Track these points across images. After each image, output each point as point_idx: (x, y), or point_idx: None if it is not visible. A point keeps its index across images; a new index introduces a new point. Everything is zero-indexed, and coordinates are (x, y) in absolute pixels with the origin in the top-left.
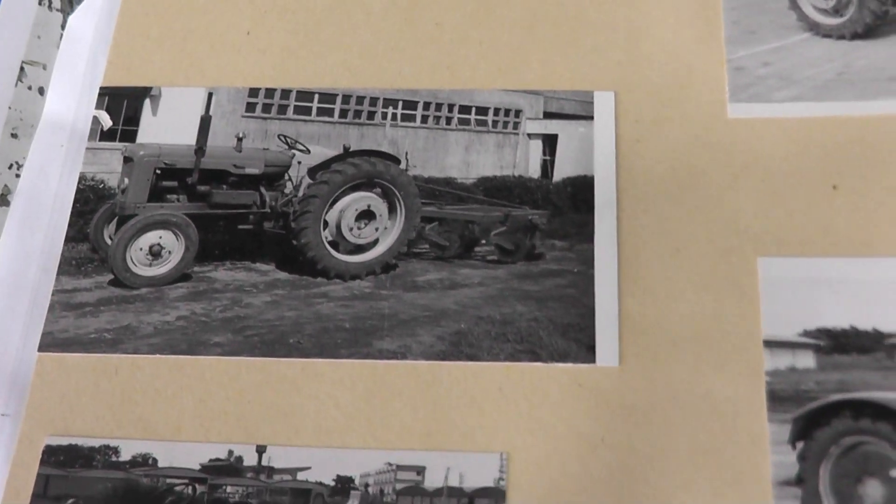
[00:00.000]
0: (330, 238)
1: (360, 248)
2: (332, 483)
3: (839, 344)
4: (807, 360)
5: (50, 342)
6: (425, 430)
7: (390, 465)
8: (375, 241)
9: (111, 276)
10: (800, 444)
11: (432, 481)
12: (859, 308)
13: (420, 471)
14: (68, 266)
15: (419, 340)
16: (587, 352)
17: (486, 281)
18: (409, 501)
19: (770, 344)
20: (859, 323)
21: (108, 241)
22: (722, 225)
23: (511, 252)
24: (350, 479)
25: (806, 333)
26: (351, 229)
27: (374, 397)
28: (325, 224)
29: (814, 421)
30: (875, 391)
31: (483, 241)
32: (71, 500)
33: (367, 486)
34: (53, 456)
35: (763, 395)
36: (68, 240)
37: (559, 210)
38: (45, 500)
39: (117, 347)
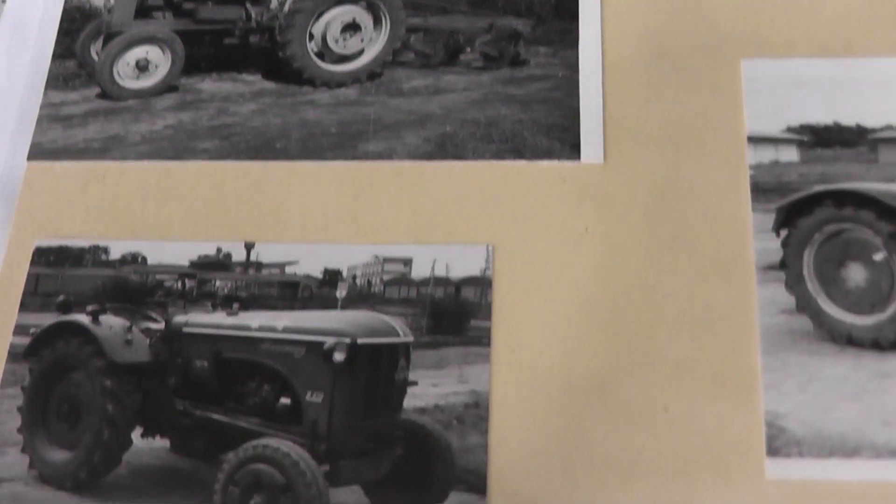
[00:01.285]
0: (315, 50)
1: (345, 59)
2: (320, 276)
3: (822, 139)
4: (790, 155)
5: (39, 152)
6: (411, 225)
7: (377, 257)
8: (361, 52)
9: (98, 90)
10: (783, 232)
11: (419, 272)
12: (843, 106)
13: (407, 262)
14: (56, 81)
15: (405, 142)
16: (571, 150)
17: (470, 86)
18: (396, 291)
19: (754, 140)
20: (843, 119)
21: (95, 58)
22: (705, 28)
23: (495, 59)
24: (337, 272)
25: (789, 130)
26: (336, 41)
27: (361, 196)
28: (311, 36)
29: (797, 210)
30: (857, 182)
31: (468, 49)
32: (61, 297)
33: (354, 277)
34: (43, 257)
35: (747, 187)
36: (55, 57)
37: (543, 18)
38: (35, 297)
39: (105, 155)
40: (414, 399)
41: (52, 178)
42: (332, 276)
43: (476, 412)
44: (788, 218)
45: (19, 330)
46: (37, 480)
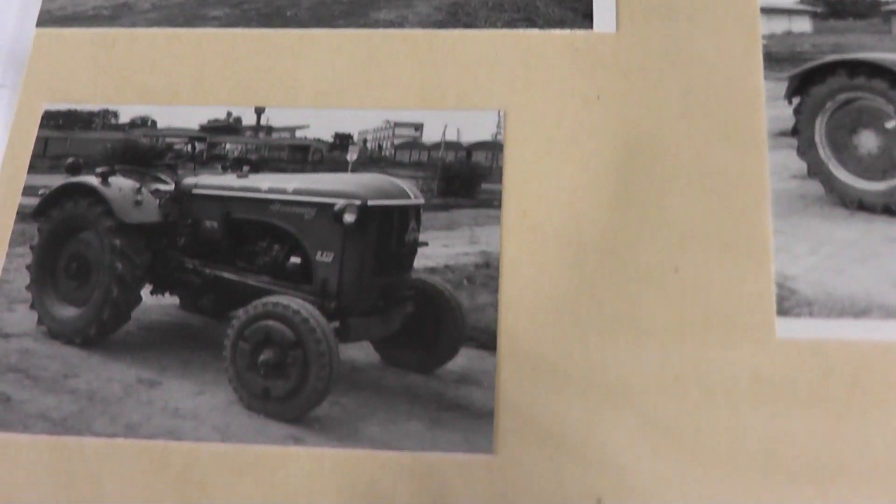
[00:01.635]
0: None
1: None
2: (331, 140)
3: (835, 10)
4: (803, 25)
5: (48, 19)
6: (423, 91)
7: (388, 122)
8: None
9: None
10: (795, 100)
11: (430, 136)
12: None
13: (418, 127)
14: None
15: (416, 11)
16: (584, 19)
17: None
18: (407, 155)
19: (766, 11)
20: None
21: None
22: None
23: None
24: (348, 136)
25: (803, 1)
26: None
27: (372, 63)
28: None
29: (809, 79)
30: (870, 52)
31: None
32: (70, 159)
33: (365, 141)
34: (52, 120)
35: (759, 57)
36: None
37: None
38: (44, 160)
39: (115, 22)
40: (425, 259)
41: (61, 44)
42: (342, 140)
43: (486, 272)
44: (801, 86)
45: (28, 191)
46: (45, 336)
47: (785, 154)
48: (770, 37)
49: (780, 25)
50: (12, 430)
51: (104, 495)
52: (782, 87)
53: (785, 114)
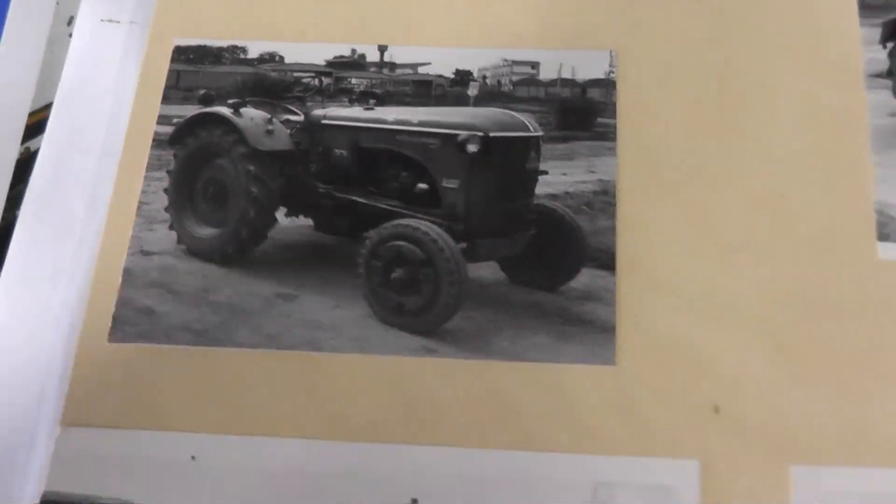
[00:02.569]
0: None
1: None
2: (452, 75)
3: None
4: None
5: None
6: (537, 32)
7: (506, 60)
8: None
9: None
10: (890, 45)
11: (546, 74)
12: None
13: (535, 65)
14: None
15: None
16: None
17: None
18: (525, 91)
19: None
20: None
21: None
22: None
23: None
24: (469, 73)
25: None
26: None
27: (488, 4)
28: None
29: None
30: None
31: None
32: (203, 90)
33: (484, 77)
34: (183, 55)
35: (854, 3)
36: None
37: None
38: (177, 91)
39: None
40: (546, 187)
41: None
42: (463, 77)
43: (604, 199)
44: (895, 31)
45: (162, 120)
46: (185, 254)
47: (882, 94)
48: None
49: None
50: (156, 341)
51: (247, 402)
52: (876, 33)
53: (880, 57)
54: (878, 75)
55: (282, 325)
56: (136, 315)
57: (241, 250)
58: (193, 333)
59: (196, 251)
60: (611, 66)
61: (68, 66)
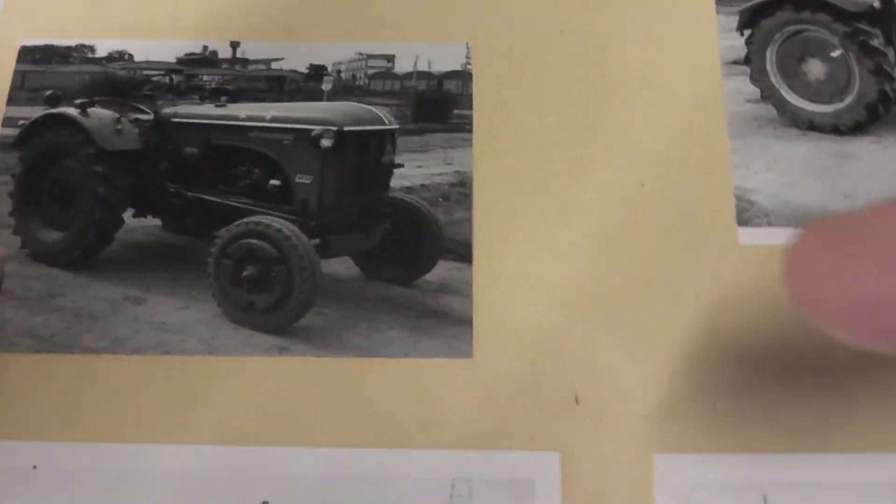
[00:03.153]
0: None
1: None
2: (306, 71)
3: None
4: None
5: None
6: (392, 25)
7: (361, 54)
8: None
9: None
10: (747, 32)
11: (402, 67)
12: None
13: (390, 59)
14: None
15: None
16: None
17: None
18: (380, 84)
19: None
20: None
21: None
22: None
23: None
24: (323, 67)
25: None
26: None
27: None
28: None
29: (759, 13)
30: None
31: None
32: (49, 91)
33: (339, 72)
34: (30, 55)
35: None
36: None
37: None
38: (22, 92)
39: None
40: (401, 179)
41: None
42: (317, 71)
43: (461, 190)
44: (752, 19)
45: (8, 122)
46: (29, 258)
47: (738, 80)
48: None
49: None
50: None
51: (93, 408)
52: (733, 21)
53: (737, 44)
54: (736, 62)
55: (129, 329)
56: None
57: (87, 253)
58: (38, 339)
59: (41, 255)
60: (467, 58)
61: None
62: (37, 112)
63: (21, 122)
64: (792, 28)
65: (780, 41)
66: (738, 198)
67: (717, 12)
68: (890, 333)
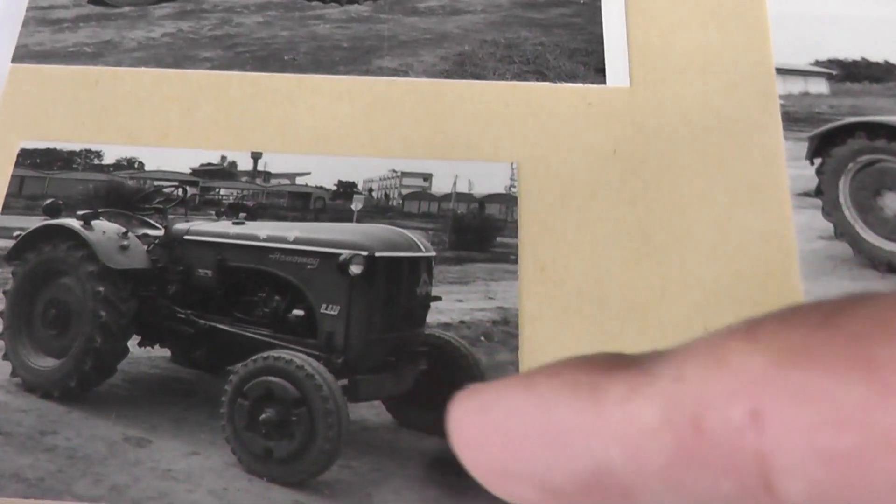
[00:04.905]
0: None
1: None
2: (334, 187)
3: (851, 73)
4: (819, 87)
5: (24, 54)
6: (430, 141)
7: (395, 171)
8: None
9: None
10: (817, 161)
11: (439, 187)
12: (870, 42)
13: (426, 177)
14: None
15: (421, 60)
16: (596, 74)
17: (488, 8)
18: (415, 205)
19: (782, 71)
20: (870, 55)
21: None
22: None
23: None
24: (352, 184)
25: (817, 63)
26: None
27: (375, 111)
28: None
29: (830, 140)
30: (888, 115)
31: None
32: (49, 200)
33: (370, 190)
34: (29, 158)
35: (777, 117)
36: None
37: None
38: (20, 199)
39: (98, 60)
40: (438, 314)
41: (38, 80)
42: (346, 188)
43: (505, 329)
44: (821, 147)
45: (2, 233)
46: (20, 388)
47: (810, 214)
48: (787, 97)
49: (796, 86)
50: None
51: None
52: (802, 148)
53: (807, 174)
54: (806, 194)
55: (129, 475)
56: None
57: (85, 385)
58: (25, 483)
59: (33, 385)
60: (511, 179)
61: None
62: (34, 222)
63: (17, 232)
64: (866, 158)
65: (854, 172)
66: None
67: (785, 138)
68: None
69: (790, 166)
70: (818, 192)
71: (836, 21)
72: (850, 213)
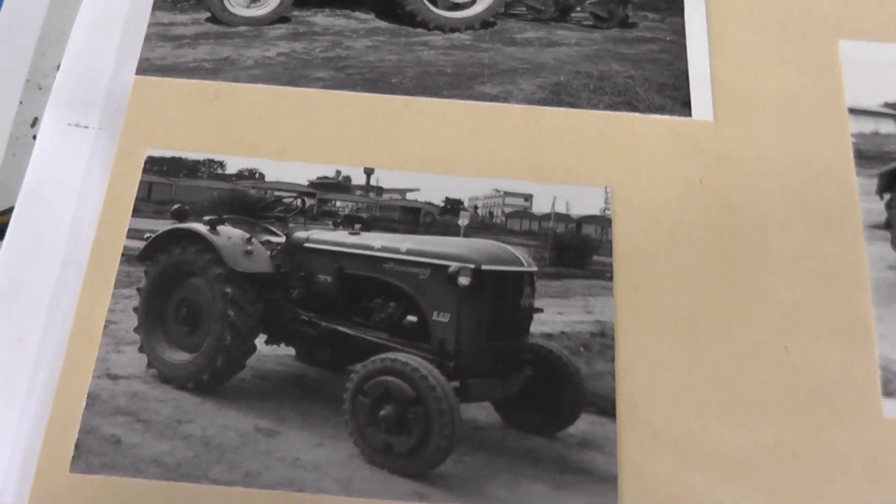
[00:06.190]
0: None
1: (457, 6)
2: (442, 204)
3: None
4: (889, 127)
5: (147, 67)
6: (530, 164)
7: (498, 191)
8: (473, 1)
9: (208, 14)
10: (886, 196)
11: (539, 207)
12: None
13: (528, 197)
14: (163, 2)
15: (520, 88)
16: (682, 107)
17: (582, 42)
18: (517, 223)
19: (854, 112)
20: None
21: None
22: (803, 9)
23: (605, 19)
24: (459, 201)
25: (887, 105)
26: None
27: (478, 134)
28: None
29: None
30: None
31: (578, 9)
32: (177, 205)
33: (476, 207)
34: (156, 166)
35: (850, 154)
36: None
37: None
38: (149, 203)
39: (217, 76)
40: (541, 325)
41: (161, 92)
42: (453, 205)
43: (602, 341)
44: (891, 183)
45: (133, 234)
46: (156, 379)
47: (880, 246)
48: (859, 136)
49: (867, 126)
50: (124, 473)
51: None
52: (873, 183)
53: (877, 208)
54: (876, 226)
55: (261, 463)
56: (100, 444)
57: (217, 379)
58: (164, 468)
59: (168, 377)
60: (606, 203)
61: (31, 170)
62: (163, 225)
63: (147, 234)
64: None
65: None
66: (884, 368)
67: (858, 174)
68: None
69: (862, 200)
70: (888, 225)
71: None
72: None
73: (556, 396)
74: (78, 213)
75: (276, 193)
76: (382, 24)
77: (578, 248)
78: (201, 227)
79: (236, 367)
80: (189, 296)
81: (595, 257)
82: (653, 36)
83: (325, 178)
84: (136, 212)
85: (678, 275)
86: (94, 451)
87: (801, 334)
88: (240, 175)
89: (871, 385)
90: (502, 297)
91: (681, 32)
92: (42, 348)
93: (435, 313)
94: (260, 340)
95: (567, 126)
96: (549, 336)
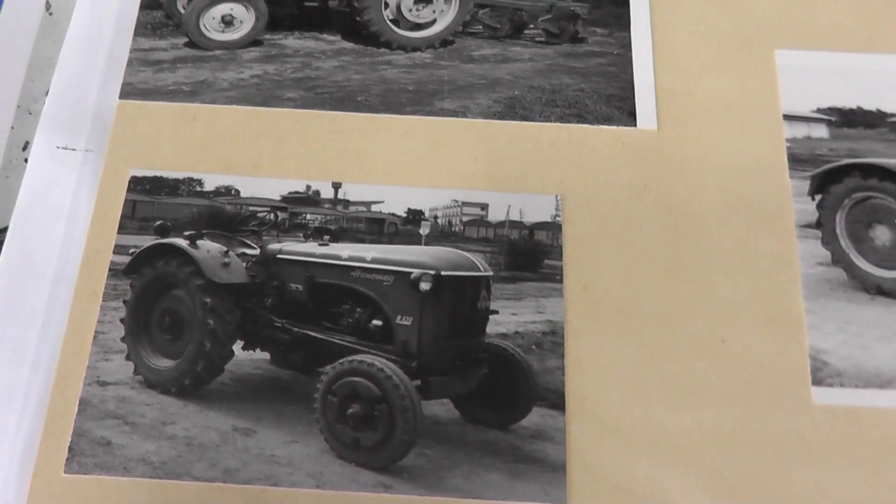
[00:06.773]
0: (391, 17)
1: (418, 27)
2: (404, 214)
3: (848, 120)
4: (821, 132)
5: (130, 91)
6: (486, 175)
7: (456, 201)
8: (433, 21)
9: (186, 39)
10: (818, 197)
11: (495, 216)
12: (865, 93)
13: (483, 207)
14: (144, 29)
15: (477, 102)
16: (628, 117)
17: (535, 57)
18: (475, 231)
19: (789, 117)
20: (865, 104)
21: (182, 11)
22: (743, 20)
23: (557, 35)
24: (420, 212)
25: (819, 111)
26: (410, 10)
27: (438, 147)
28: (386, 4)
29: (829, 179)
30: (881, 157)
31: (531, 26)
32: (159, 221)
33: (436, 217)
34: (139, 185)
35: (784, 157)
36: (143, 7)
37: (599, 2)
38: (133, 221)
39: (195, 98)
40: (496, 326)
41: (143, 115)
42: (415, 215)
43: (553, 339)
44: (822, 185)
45: (119, 249)
46: (142, 385)
47: (811, 244)
48: (793, 140)
49: (801, 131)
50: (114, 472)
51: None
52: (805, 185)
53: (809, 208)
54: (808, 226)
55: (239, 460)
56: (92, 446)
57: (198, 383)
58: (150, 466)
59: (153, 382)
60: (557, 209)
61: (24, 191)
62: (147, 241)
63: (132, 249)
64: (860, 195)
65: (849, 207)
66: (813, 358)
67: (791, 177)
68: None
69: (795, 201)
70: (818, 225)
71: (836, 73)
72: (845, 243)
73: (511, 392)
74: (68, 231)
75: (251, 208)
76: (348, 44)
77: (531, 253)
78: (182, 242)
79: (216, 372)
80: (172, 306)
81: (546, 261)
82: (601, 50)
83: (296, 192)
84: (122, 229)
85: (624, 275)
86: (86, 452)
87: (737, 326)
88: (217, 192)
89: (802, 373)
90: (461, 300)
91: (627, 46)
92: (37, 358)
93: (398, 317)
94: (237, 346)
95: (521, 138)
96: (504, 336)
